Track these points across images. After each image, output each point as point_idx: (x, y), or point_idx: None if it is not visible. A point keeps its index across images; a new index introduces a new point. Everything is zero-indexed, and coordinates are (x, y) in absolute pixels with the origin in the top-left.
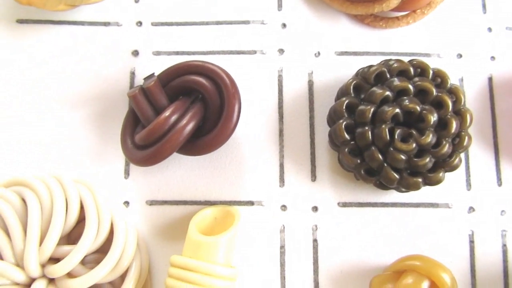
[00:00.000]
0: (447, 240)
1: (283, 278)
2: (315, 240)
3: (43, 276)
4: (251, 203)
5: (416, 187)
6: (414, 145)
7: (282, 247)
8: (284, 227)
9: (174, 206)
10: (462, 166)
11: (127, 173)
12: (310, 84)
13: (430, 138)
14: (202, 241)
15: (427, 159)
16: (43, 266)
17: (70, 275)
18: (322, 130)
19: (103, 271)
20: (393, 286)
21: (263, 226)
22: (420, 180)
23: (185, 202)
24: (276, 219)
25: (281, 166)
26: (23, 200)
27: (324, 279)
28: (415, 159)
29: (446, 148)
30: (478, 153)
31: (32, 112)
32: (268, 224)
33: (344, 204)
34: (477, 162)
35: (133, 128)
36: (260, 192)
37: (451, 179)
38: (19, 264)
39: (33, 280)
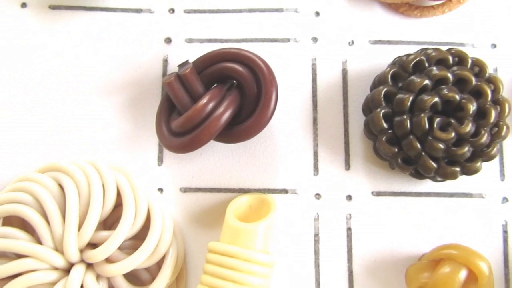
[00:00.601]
0: (481, 230)
1: (317, 266)
2: (349, 229)
3: (82, 261)
4: (285, 191)
5: (453, 176)
6: (453, 134)
7: (316, 235)
8: (318, 216)
9: (208, 194)
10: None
11: (160, 160)
12: (344, 73)
13: (469, 127)
14: (241, 228)
15: (466, 148)
16: (81, 251)
17: (108, 260)
18: (357, 119)
19: (142, 257)
20: (429, 275)
21: (297, 214)
22: (457, 169)
23: (219, 190)
24: (310, 208)
25: (315, 154)
26: (60, 186)
27: (358, 267)
28: (454, 148)
29: (485, 137)
30: None
31: (65, 99)
32: (302, 213)
33: (378, 193)
34: (511, 152)
35: (168, 115)
36: (294, 181)
37: (485, 170)
38: (58, 249)
39: (71, 265)
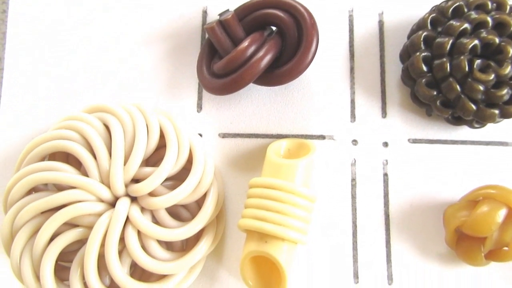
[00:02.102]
0: None
1: (354, 210)
2: (385, 174)
3: (126, 195)
4: (322, 137)
5: (492, 118)
6: (493, 75)
7: (353, 179)
8: (355, 161)
9: (246, 139)
10: None
11: (199, 107)
12: (381, 24)
13: (508, 69)
14: (283, 163)
15: (505, 90)
16: (126, 186)
17: (151, 195)
18: (393, 68)
19: (186, 191)
20: (468, 213)
21: (334, 159)
22: (496, 111)
23: (257, 135)
24: (347, 153)
25: (352, 102)
26: (105, 127)
27: (394, 211)
28: (493, 90)
29: None
30: None
31: (110, 48)
32: (339, 158)
33: (415, 141)
34: None
35: (209, 59)
36: (331, 127)
37: None
38: (104, 183)
39: (116, 199)
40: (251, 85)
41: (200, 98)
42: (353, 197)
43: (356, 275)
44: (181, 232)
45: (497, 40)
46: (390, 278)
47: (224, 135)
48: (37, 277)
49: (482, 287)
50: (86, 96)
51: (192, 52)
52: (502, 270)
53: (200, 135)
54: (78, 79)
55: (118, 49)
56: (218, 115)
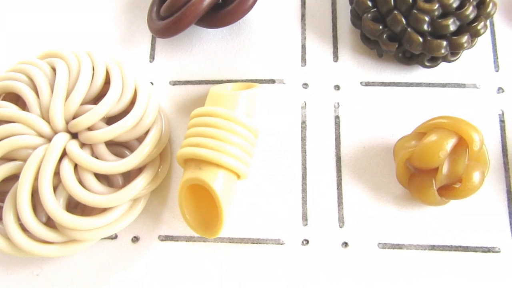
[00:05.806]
0: (477, 120)
1: (304, 152)
2: (337, 117)
3: (68, 132)
4: (272, 81)
5: (439, 48)
6: (437, 5)
7: (303, 122)
8: (305, 104)
9: (197, 86)
10: (490, 47)
11: (152, 57)
12: None
13: None
14: (224, 94)
15: (451, 20)
16: (67, 123)
17: (92, 130)
18: (345, 15)
19: (125, 125)
20: (417, 144)
21: (284, 102)
22: (444, 42)
23: (207, 82)
24: (297, 96)
25: (303, 47)
26: (55, 71)
27: (346, 153)
28: (439, 20)
29: (470, 10)
30: (506, 34)
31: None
32: (289, 101)
33: (367, 84)
34: (505, 43)
35: (160, 6)
36: (281, 71)
37: (479, 60)
38: (45, 118)
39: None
40: (202, 32)
41: (153, 49)
42: (303, 139)
43: (305, 217)
44: (117, 165)
45: None
46: (341, 221)
47: (174, 83)
48: None
49: (439, 229)
50: (42, 48)
51: (147, 6)
52: (461, 210)
53: (151, 83)
54: (35, 32)
55: (75, 1)
56: (169, 64)
